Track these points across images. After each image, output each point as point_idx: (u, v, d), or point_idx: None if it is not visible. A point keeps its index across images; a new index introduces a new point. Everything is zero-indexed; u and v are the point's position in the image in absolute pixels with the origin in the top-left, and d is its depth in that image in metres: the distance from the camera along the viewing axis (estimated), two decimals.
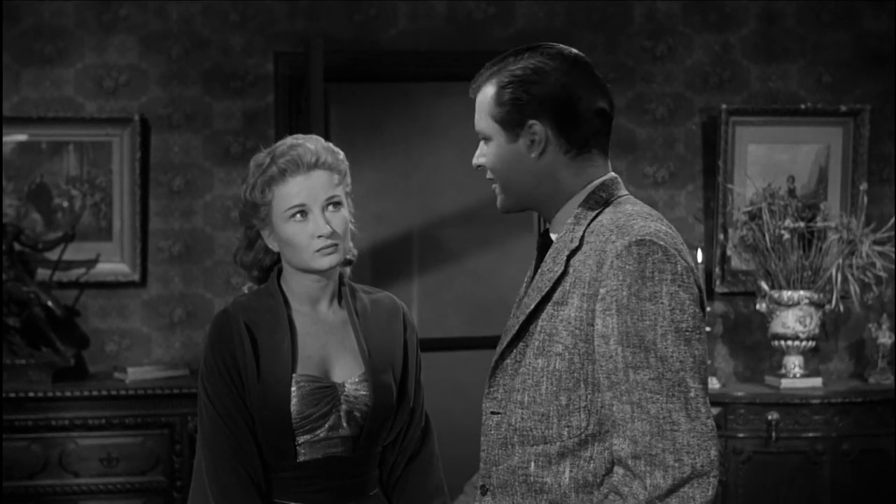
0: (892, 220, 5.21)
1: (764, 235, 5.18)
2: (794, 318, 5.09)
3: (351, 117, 6.36)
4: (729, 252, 5.38)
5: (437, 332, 6.63)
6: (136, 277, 5.19)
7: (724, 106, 5.30)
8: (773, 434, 4.94)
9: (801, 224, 5.16)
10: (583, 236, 2.18)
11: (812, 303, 5.10)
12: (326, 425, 2.62)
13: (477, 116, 2.27)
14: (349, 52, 5.23)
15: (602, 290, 2.11)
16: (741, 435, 4.97)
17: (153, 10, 5.20)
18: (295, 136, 2.74)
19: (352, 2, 5.26)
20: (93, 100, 5.17)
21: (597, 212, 2.21)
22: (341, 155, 2.73)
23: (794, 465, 4.98)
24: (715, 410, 4.95)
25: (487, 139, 2.26)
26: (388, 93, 6.39)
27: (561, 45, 2.25)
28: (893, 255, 5.14)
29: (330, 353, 2.68)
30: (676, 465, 2.05)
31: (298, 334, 2.67)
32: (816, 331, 5.14)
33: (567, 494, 2.15)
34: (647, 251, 2.09)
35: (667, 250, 2.10)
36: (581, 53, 2.26)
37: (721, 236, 5.35)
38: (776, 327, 5.15)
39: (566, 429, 2.16)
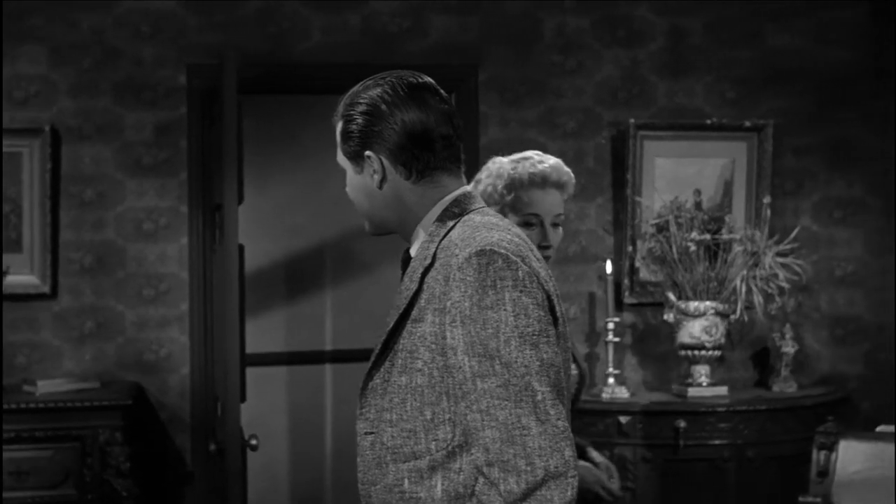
0: (795, 232, 5.35)
1: (671, 247, 5.27)
2: (700, 328, 5.18)
3: (265, 130, 6.36)
4: (637, 263, 5.47)
5: (349, 344, 6.65)
6: (46, 289, 5.13)
7: (632, 120, 5.39)
8: (681, 441, 5.02)
9: (707, 236, 5.25)
10: (435, 253, 2.23)
11: (718, 313, 5.20)
12: None
13: (337, 149, 2.37)
14: (263, 65, 5.24)
15: (448, 303, 2.14)
16: (650, 442, 5.04)
17: (64, 21, 5.15)
18: (547, 156, 3.09)
19: (266, 14, 5.27)
20: (3, 110, 5.11)
21: (449, 227, 2.25)
22: (573, 180, 3.09)
23: (701, 471, 5.07)
24: (624, 419, 5.05)
25: (345, 170, 2.36)
26: (303, 105, 6.40)
27: (404, 73, 2.30)
28: (796, 267, 5.27)
29: None
30: (529, 469, 2.06)
31: None
32: (722, 340, 5.24)
33: None
34: (488, 260, 2.12)
35: (507, 258, 2.13)
36: (426, 80, 2.30)
37: (630, 248, 5.44)
38: (683, 337, 5.23)
39: (433, 442, 2.18)
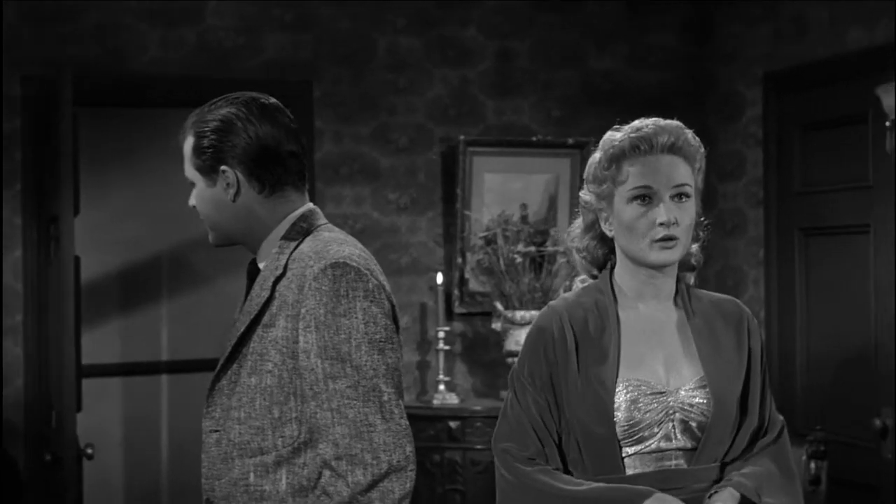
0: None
1: (499, 259, 5.43)
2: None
3: (101, 142, 6.35)
4: (467, 275, 5.60)
5: (185, 355, 6.68)
6: None
7: (461, 137, 5.53)
8: None
9: (533, 248, 5.43)
10: (286, 264, 2.37)
11: None
12: (658, 435, 2.36)
13: (185, 164, 2.46)
14: (100, 77, 5.22)
15: (303, 310, 2.30)
16: (478, 447, 5.15)
17: None
18: (658, 119, 2.47)
19: (103, 27, 5.26)
20: None
21: (298, 241, 2.40)
22: (702, 149, 2.47)
23: None
24: (454, 424, 5.22)
25: (194, 184, 2.45)
26: (139, 118, 6.40)
27: (254, 94, 2.44)
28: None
29: (663, 356, 2.42)
30: (374, 462, 2.24)
31: (627, 334, 2.42)
32: None
33: (285, 500, 2.32)
34: (342, 272, 2.30)
35: (359, 271, 2.31)
36: (273, 101, 2.45)
37: (459, 260, 5.57)
38: (510, 345, 5.37)
39: (280, 439, 2.33)
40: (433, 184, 5.66)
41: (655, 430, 2.35)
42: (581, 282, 2.54)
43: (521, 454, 2.38)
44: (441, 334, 5.41)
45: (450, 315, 5.62)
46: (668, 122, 2.44)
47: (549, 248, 5.48)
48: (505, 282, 5.42)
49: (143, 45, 5.32)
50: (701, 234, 2.51)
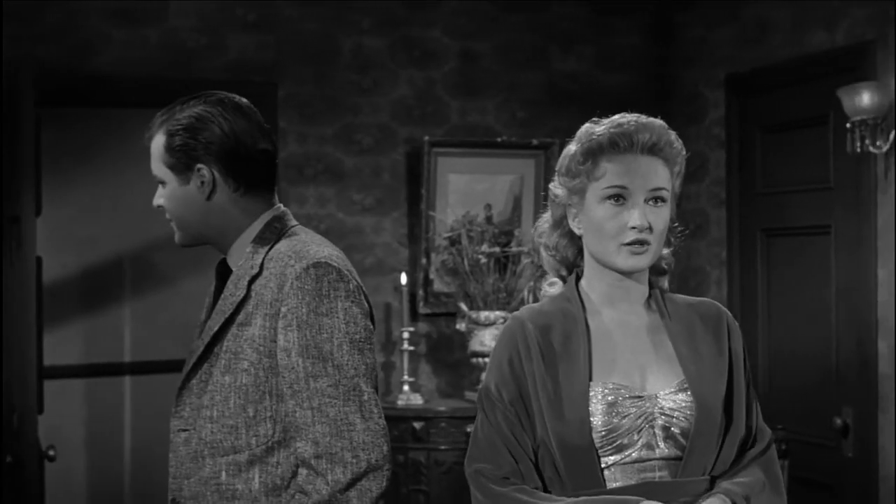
0: None
1: (463, 260, 5.44)
2: (490, 337, 5.34)
3: (63, 141, 6.31)
4: (432, 275, 5.61)
5: (149, 356, 6.65)
6: None
7: (426, 138, 5.53)
8: None
9: (497, 249, 5.45)
10: (262, 263, 2.37)
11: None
12: (639, 443, 2.20)
13: (153, 163, 2.43)
14: (62, 77, 5.20)
15: (283, 309, 2.30)
16: (443, 447, 5.18)
17: None
18: (640, 115, 2.31)
19: (65, 27, 5.23)
20: None
21: (273, 241, 2.40)
22: (683, 151, 2.32)
23: None
24: (419, 425, 5.22)
25: (163, 183, 2.43)
26: (102, 118, 6.37)
27: (224, 93, 2.44)
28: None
29: (638, 360, 2.27)
30: (354, 461, 2.26)
31: (598, 339, 2.27)
32: None
33: (258, 499, 2.32)
34: (324, 272, 2.31)
35: (340, 271, 2.33)
36: (245, 101, 2.46)
37: (424, 261, 5.57)
38: (475, 345, 5.40)
39: (254, 438, 2.33)
40: (398, 184, 5.67)
41: (635, 436, 2.19)
42: (549, 285, 2.39)
43: (494, 474, 2.22)
44: (405, 335, 5.42)
45: (414, 316, 5.63)
46: (651, 120, 2.29)
47: (514, 249, 5.50)
48: (469, 282, 5.43)
49: (105, 45, 5.29)
50: (672, 239, 2.38)
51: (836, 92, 4.58)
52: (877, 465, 4.60)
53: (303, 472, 2.29)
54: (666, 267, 2.38)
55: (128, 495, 6.73)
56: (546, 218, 2.40)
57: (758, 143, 5.33)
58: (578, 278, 2.34)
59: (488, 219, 5.66)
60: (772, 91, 5.26)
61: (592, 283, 2.31)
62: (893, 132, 4.49)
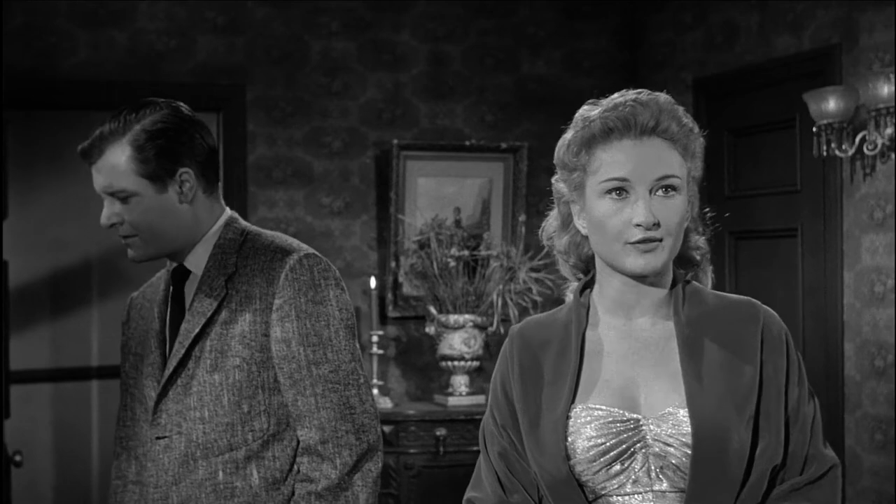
0: (547, 248, 5.61)
1: (432, 263, 5.44)
2: (459, 340, 5.38)
3: (30, 144, 6.27)
4: (401, 279, 5.60)
5: (117, 360, 6.60)
6: None
7: (395, 141, 5.53)
8: (441, 449, 5.21)
9: (466, 252, 5.45)
10: (236, 262, 2.38)
11: (476, 325, 5.40)
12: (631, 475, 1.87)
13: (109, 179, 2.32)
14: (28, 80, 5.19)
15: (278, 301, 2.33)
16: (412, 451, 5.19)
17: None
18: (641, 89, 1.99)
19: (31, 29, 5.21)
20: None
21: (238, 240, 2.42)
22: (696, 128, 2.00)
23: (461, 477, 5.12)
24: (388, 428, 5.22)
25: (130, 197, 2.32)
26: (68, 121, 6.33)
27: (154, 99, 2.38)
28: (548, 281, 5.55)
29: (640, 376, 1.93)
30: (357, 443, 2.31)
31: (594, 354, 1.96)
32: (480, 351, 5.44)
33: (258, 494, 2.33)
34: (314, 262, 2.36)
35: (326, 261, 2.39)
36: (182, 105, 2.43)
37: (393, 264, 5.57)
38: (444, 349, 5.41)
39: (250, 433, 2.34)
40: (367, 188, 5.66)
41: (625, 464, 1.86)
42: (571, 292, 2.07)
43: (484, 503, 2.00)
44: (375, 338, 5.41)
45: (383, 319, 5.63)
46: (654, 95, 1.95)
47: (483, 252, 5.51)
48: (438, 286, 5.43)
49: (72, 48, 5.27)
50: (701, 228, 2.09)
51: (802, 96, 4.61)
52: (844, 465, 4.63)
53: (304, 460, 2.33)
54: (698, 257, 2.07)
55: (95, 500, 6.69)
56: (553, 216, 2.07)
57: (725, 146, 5.36)
58: (589, 284, 2.04)
59: (457, 222, 5.66)
60: (739, 95, 5.29)
61: (602, 288, 1.99)
62: (859, 136, 4.52)
